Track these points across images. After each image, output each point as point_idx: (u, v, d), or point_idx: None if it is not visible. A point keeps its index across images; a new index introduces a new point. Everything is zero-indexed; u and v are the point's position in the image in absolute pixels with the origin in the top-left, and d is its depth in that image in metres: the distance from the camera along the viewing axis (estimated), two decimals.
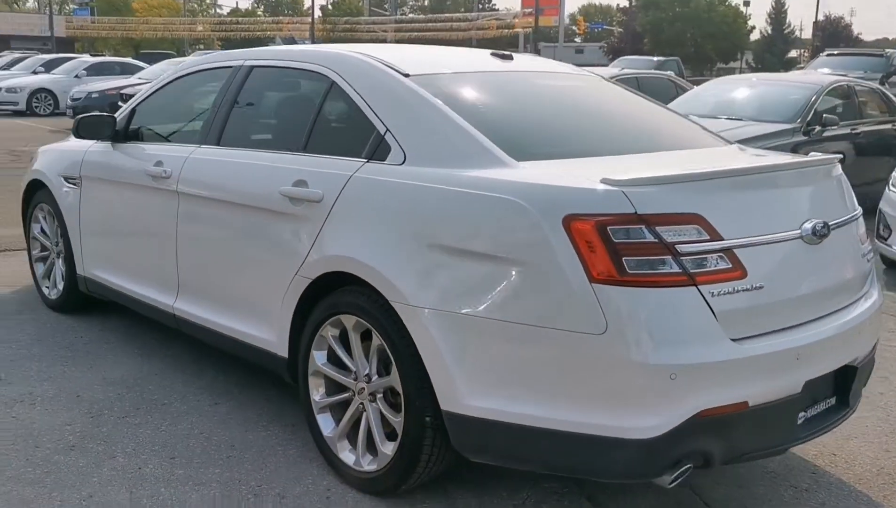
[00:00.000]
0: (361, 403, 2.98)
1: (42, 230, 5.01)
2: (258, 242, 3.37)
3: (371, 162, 3.01)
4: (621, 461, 2.45)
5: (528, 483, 3.06)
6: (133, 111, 4.32)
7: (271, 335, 3.31)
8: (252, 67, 3.75)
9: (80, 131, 4.23)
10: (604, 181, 2.46)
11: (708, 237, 2.46)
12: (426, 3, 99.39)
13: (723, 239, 2.48)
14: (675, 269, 2.39)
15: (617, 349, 2.37)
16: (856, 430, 3.61)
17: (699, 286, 2.41)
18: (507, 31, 54.98)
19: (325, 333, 3.06)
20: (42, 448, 3.26)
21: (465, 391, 2.60)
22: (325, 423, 3.12)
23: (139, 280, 4.13)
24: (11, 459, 3.18)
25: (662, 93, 10.49)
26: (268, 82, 3.74)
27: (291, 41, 46.01)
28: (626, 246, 2.38)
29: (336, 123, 3.34)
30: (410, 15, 79.85)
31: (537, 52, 50.48)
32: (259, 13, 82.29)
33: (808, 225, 2.69)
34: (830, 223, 2.76)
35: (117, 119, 4.30)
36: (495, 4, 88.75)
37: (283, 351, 3.25)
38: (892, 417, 3.78)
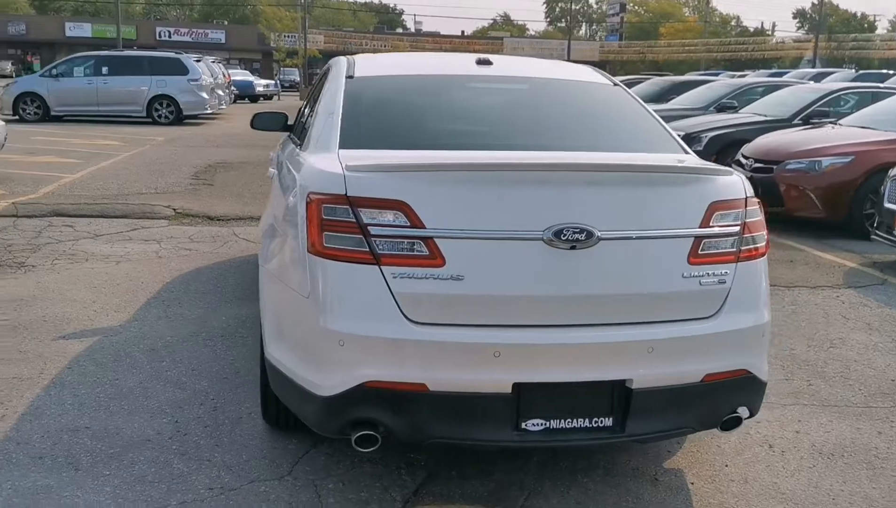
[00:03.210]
0: None
1: None
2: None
3: (297, 148, 3.59)
4: (314, 413, 2.75)
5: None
6: (301, 110, 5.37)
7: None
8: (327, 71, 4.51)
9: (254, 123, 5.39)
10: (346, 167, 2.72)
11: (408, 224, 2.58)
12: None
13: (424, 228, 2.57)
14: (363, 248, 2.59)
15: (311, 312, 2.69)
16: (799, 496, 3.03)
17: (382, 267, 2.58)
18: None
19: None
20: (136, 347, 4.49)
21: (267, 339, 3.09)
22: None
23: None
24: (140, 351, 4.41)
25: None
26: (322, 85, 4.46)
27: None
28: (329, 223, 2.66)
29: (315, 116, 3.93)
30: None
31: None
32: (769, 33, 79.38)
33: (551, 230, 2.56)
34: (600, 232, 2.58)
35: (288, 116, 5.40)
36: None
37: None
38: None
